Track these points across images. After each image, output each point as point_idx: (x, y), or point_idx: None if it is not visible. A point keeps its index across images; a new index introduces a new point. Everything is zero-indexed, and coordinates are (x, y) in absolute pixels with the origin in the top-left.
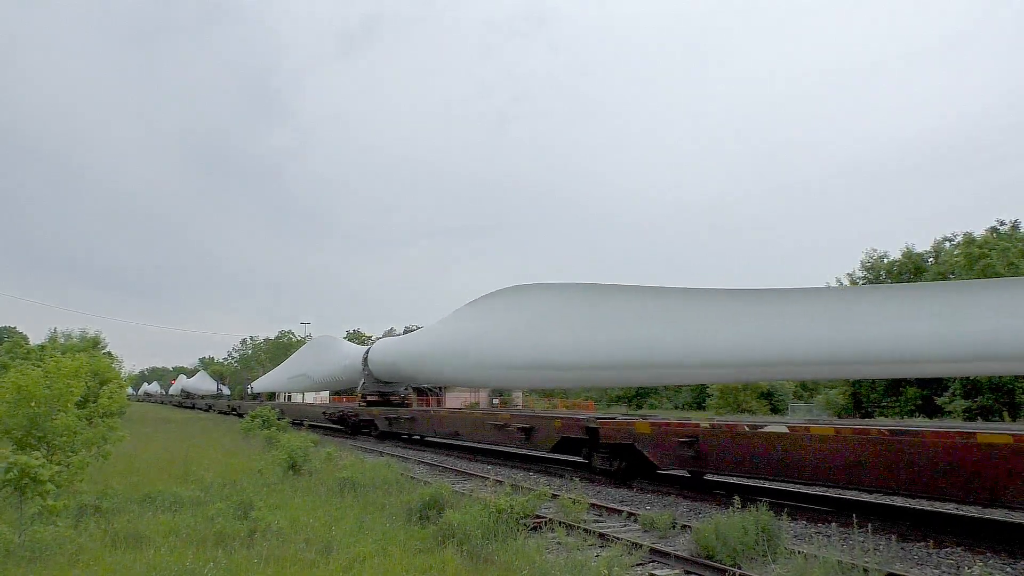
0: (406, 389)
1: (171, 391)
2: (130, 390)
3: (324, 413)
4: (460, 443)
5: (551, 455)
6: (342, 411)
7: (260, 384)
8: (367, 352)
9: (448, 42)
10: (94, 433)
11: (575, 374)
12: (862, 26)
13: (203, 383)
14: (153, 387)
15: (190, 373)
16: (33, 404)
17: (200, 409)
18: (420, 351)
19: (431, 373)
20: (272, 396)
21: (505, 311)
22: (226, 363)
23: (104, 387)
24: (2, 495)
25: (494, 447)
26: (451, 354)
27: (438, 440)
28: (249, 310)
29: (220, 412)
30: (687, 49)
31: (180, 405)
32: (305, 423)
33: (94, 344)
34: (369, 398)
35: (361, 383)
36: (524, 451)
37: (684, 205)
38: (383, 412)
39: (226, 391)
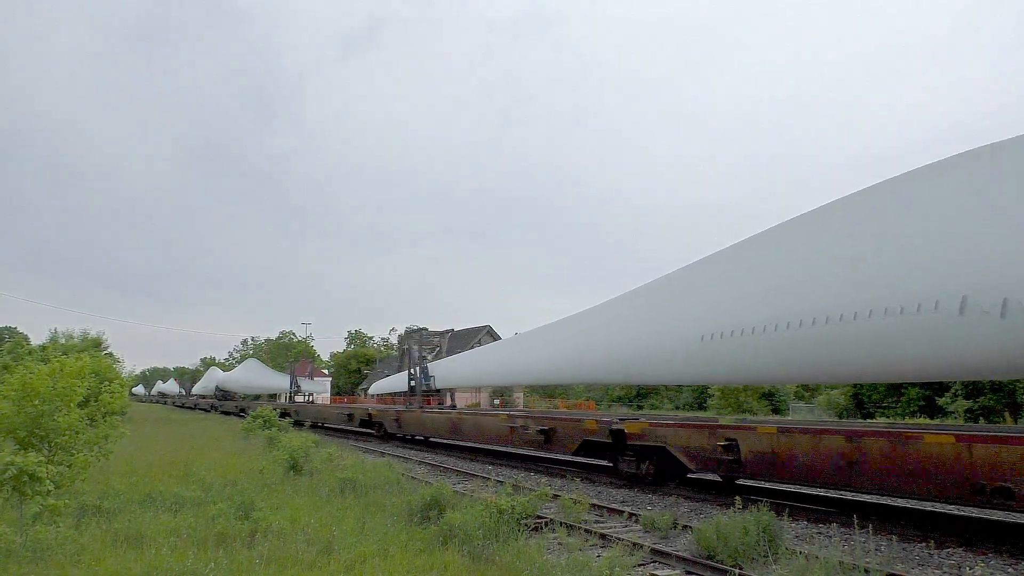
0: None
1: (195, 389)
2: (140, 388)
3: None
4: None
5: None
6: None
7: (451, 373)
8: None
9: (450, 43)
10: (96, 432)
11: None
12: (863, 26)
13: (259, 377)
14: (169, 385)
15: (191, 374)
16: (37, 402)
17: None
18: None
19: None
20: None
21: None
22: (227, 363)
23: (106, 384)
24: (2, 495)
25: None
26: None
27: None
28: (250, 310)
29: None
30: (690, 50)
31: (214, 410)
32: None
33: (95, 344)
34: None
35: None
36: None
37: (688, 205)
38: None
39: (319, 389)
